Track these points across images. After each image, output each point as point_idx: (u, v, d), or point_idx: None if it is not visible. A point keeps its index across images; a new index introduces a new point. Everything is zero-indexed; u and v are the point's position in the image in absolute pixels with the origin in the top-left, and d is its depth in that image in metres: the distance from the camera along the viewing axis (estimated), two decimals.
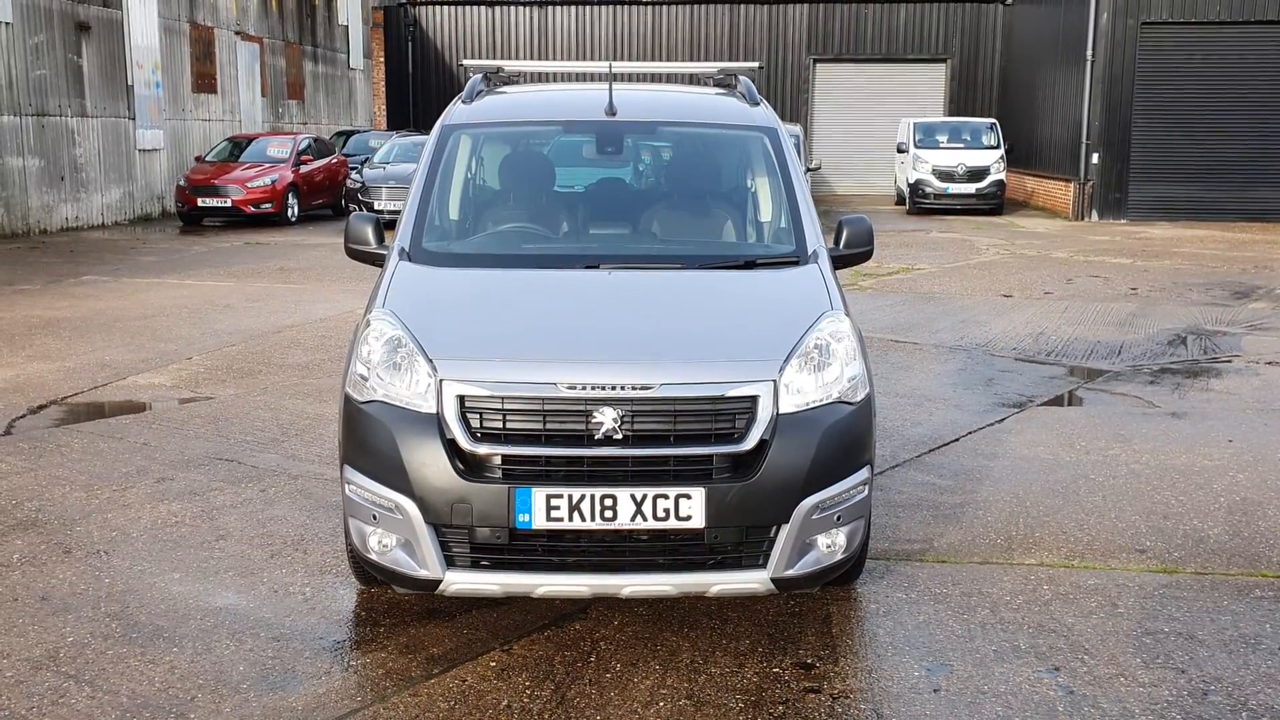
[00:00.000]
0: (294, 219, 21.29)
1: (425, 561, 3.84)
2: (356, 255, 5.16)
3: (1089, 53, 23.77)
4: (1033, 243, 19.74)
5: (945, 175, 24.89)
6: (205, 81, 24.60)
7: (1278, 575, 4.84)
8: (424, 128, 31.21)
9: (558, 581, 3.82)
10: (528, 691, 3.83)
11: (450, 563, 3.84)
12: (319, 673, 3.96)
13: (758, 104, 5.64)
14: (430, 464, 3.80)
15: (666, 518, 3.74)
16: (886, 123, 30.87)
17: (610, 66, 5.71)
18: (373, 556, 3.96)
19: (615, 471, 3.78)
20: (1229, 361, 9.66)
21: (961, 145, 25.76)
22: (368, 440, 3.95)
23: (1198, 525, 5.44)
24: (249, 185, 20.37)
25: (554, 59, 33.33)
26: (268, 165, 21.13)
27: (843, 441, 3.95)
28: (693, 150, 5.50)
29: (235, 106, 25.93)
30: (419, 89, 34.91)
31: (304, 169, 21.70)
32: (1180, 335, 10.82)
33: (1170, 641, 4.20)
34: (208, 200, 20.30)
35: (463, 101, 5.55)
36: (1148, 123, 23.83)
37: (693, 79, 6.43)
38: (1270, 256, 17.60)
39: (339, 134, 27.94)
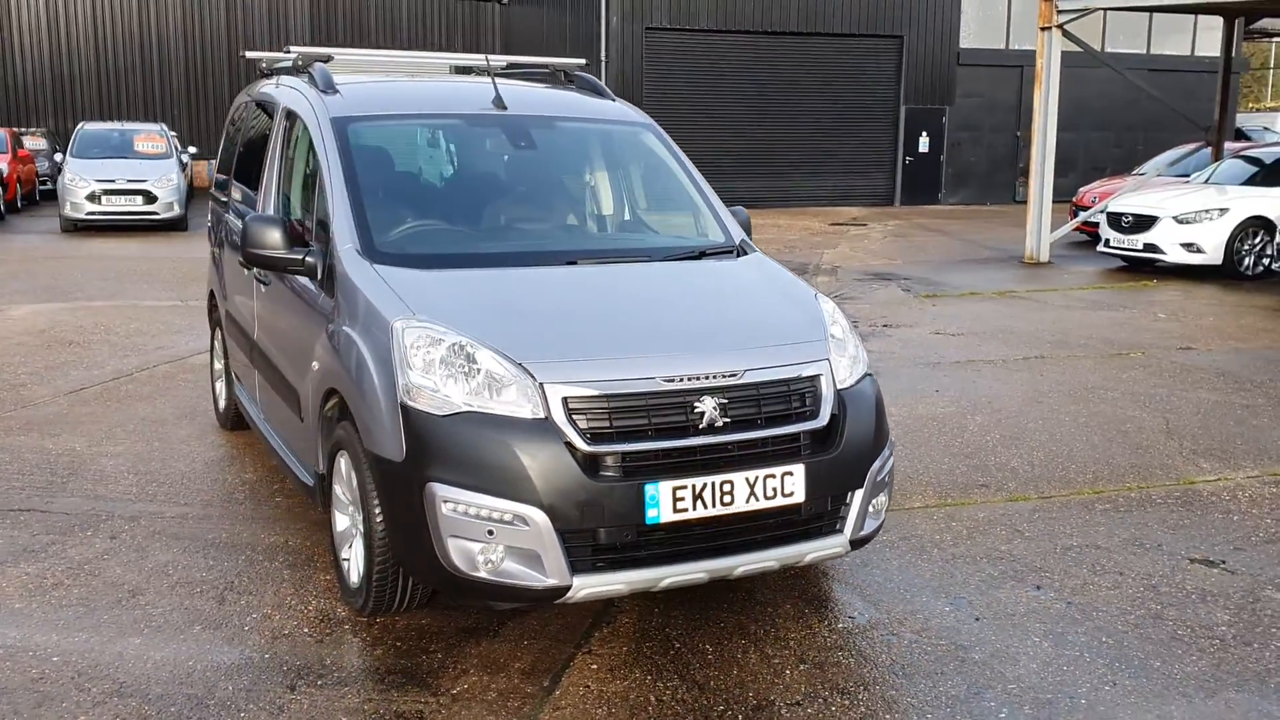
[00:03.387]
0: None
1: (552, 570, 3.73)
2: (261, 261, 4.73)
3: (603, 54, 25.53)
4: None
5: None
6: None
7: (1097, 492, 5.95)
8: None
9: (679, 571, 3.89)
10: (659, 685, 3.87)
11: (573, 568, 3.77)
12: (440, 708, 3.71)
13: (615, 100, 5.85)
14: (557, 470, 3.70)
15: (774, 496, 3.95)
16: None
17: (487, 59, 5.67)
18: (481, 575, 3.76)
19: (722, 457, 3.92)
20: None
21: None
22: (471, 453, 3.74)
23: (1001, 459, 6.48)
24: None
25: (114, 46, 29.75)
26: None
27: (880, 410, 4.38)
28: (592, 144, 5.58)
29: None
30: None
31: None
32: None
33: (1085, 552, 5.09)
34: None
35: (322, 91, 5.22)
36: (655, 119, 26.01)
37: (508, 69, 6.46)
38: (785, 238, 20.09)
39: None
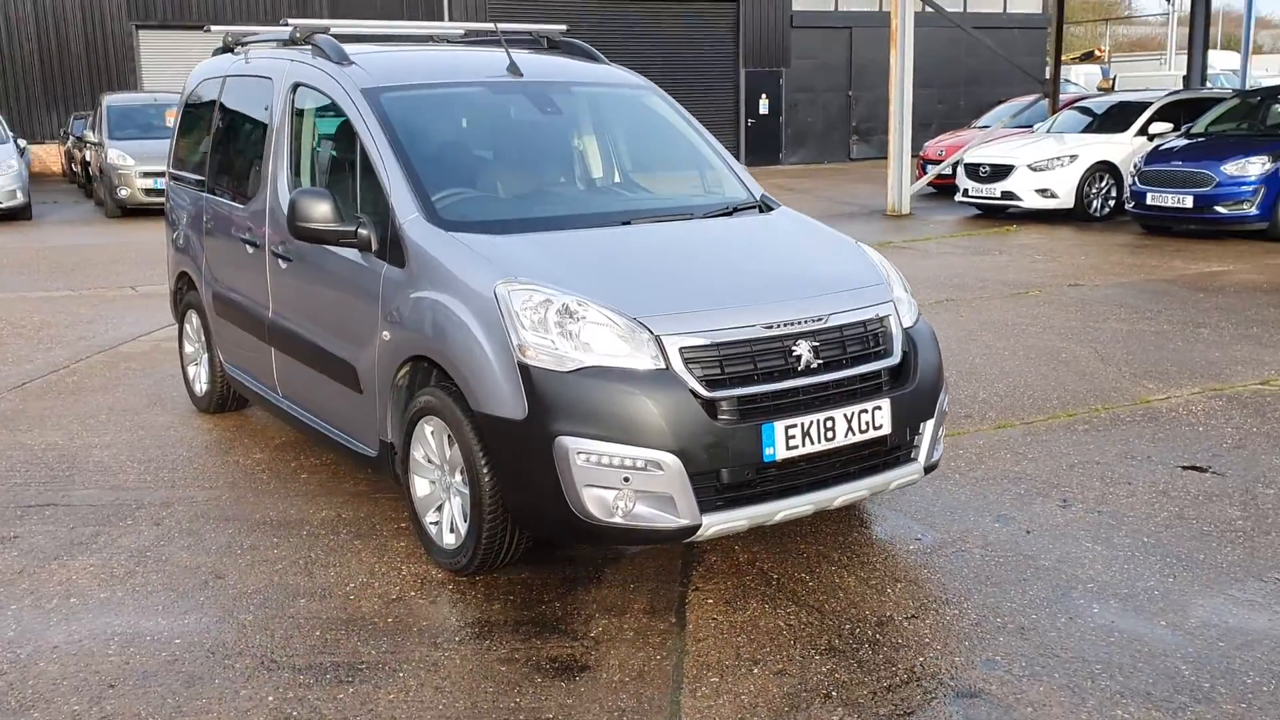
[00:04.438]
0: None
1: (684, 511, 3.93)
2: (310, 235, 4.74)
3: (446, 18, 25.23)
4: None
5: None
6: None
7: (1071, 415, 6.47)
8: None
9: (791, 504, 4.14)
10: (779, 612, 4.12)
11: (701, 508, 3.97)
12: (588, 650, 3.87)
13: (608, 63, 6.02)
14: (685, 416, 3.90)
15: (867, 430, 4.24)
16: None
17: (496, 26, 5.74)
18: (616, 520, 3.93)
19: (821, 396, 4.18)
20: None
21: None
22: (599, 406, 3.89)
23: (969, 392, 6.95)
24: None
25: None
26: None
27: (938, 346, 4.71)
28: (609, 108, 5.72)
29: None
30: None
31: None
32: None
33: (1090, 468, 5.57)
34: None
35: (336, 62, 5.23)
36: None
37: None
38: None
39: None
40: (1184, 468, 5.54)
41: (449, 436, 4.35)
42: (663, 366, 3.96)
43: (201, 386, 6.83)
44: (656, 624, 4.05)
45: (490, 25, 5.87)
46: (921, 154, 20.71)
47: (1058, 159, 15.68)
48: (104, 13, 29.65)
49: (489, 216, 4.72)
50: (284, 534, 4.94)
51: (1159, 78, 34.91)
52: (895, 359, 4.42)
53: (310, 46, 5.51)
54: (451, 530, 4.46)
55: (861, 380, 4.30)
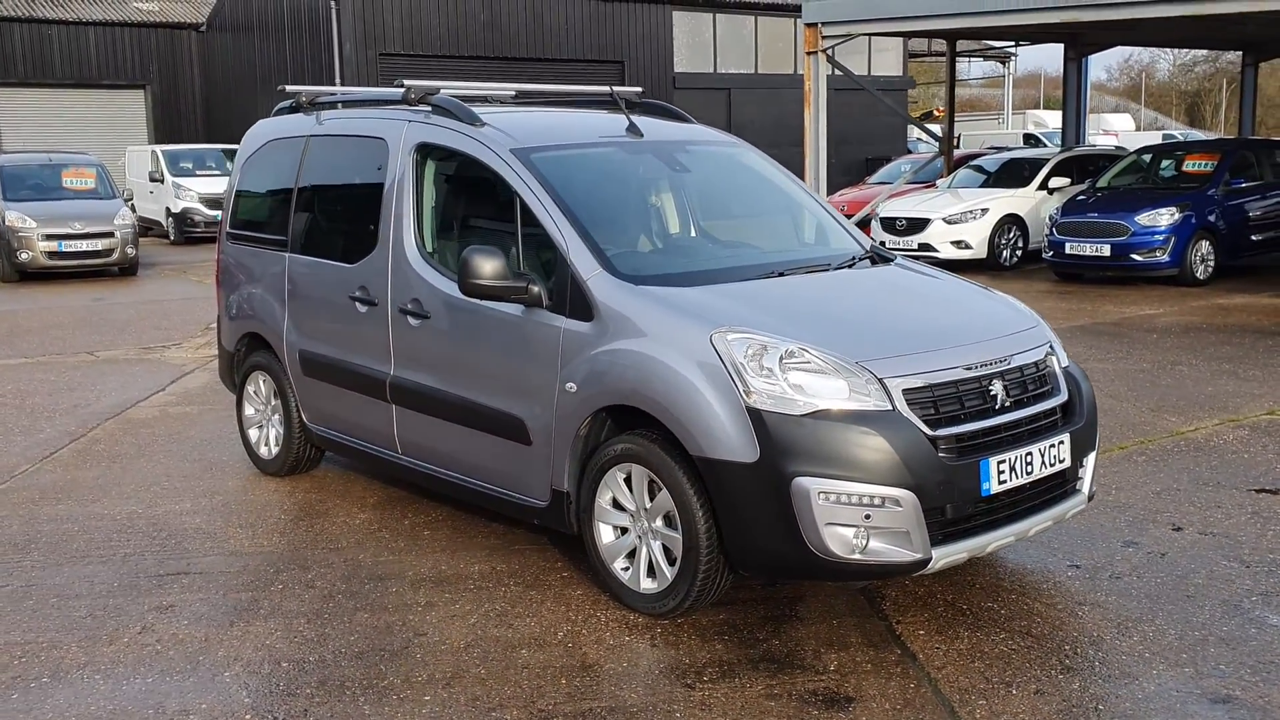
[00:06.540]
0: None
1: (917, 545, 4.12)
2: (482, 291, 4.81)
3: (337, 80, 25.05)
4: None
5: (214, 203, 24.31)
6: None
7: (1122, 448, 6.92)
8: None
9: (999, 535, 4.38)
10: (992, 639, 4.32)
11: (930, 541, 4.18)
12: (841, 681, 4.00)
13: (695, 122, 6.27)
14: (917, 454, 4.11)
15: (1054, 464, 4.53)
16: (95, 152, 28.82)
17: (612, 89, 5.91)
18: (855, 557, 4.10)
19: (1017, 433, 4.45)
20: None
21: (218, 171, 25.31)
22: (836, 447, 4.06)
23: None
24: None
25: None
26: None
27: (1090, 384, 5.05)
28: (722, 164, 5.93)
29: None
30: None
31: None
32: None
33: (1176, 494, 5.99)
34: None
35: (466, 122, 5.34)
36: None
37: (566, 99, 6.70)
38: None
39: None
40: (1256, 491, 6.01)
41: (650, 482, 4.46)
42: (888, 408, 4.17)
43: (270, 449, 6.68)
44: (885, 655, 4.22)
45: (605, 89, 6.03)
46: None
47: (970, 212, 16.55)
48: None
49: (661, 270, 4.88)
50: (453, 590, 4.92)
51: (999, 135, 36.98)
52: (1064, 396, 4.74)
53: (429, 107, 5.58)
54: (650, 575, 4.55)
55: (1044, 416, 4.59)
